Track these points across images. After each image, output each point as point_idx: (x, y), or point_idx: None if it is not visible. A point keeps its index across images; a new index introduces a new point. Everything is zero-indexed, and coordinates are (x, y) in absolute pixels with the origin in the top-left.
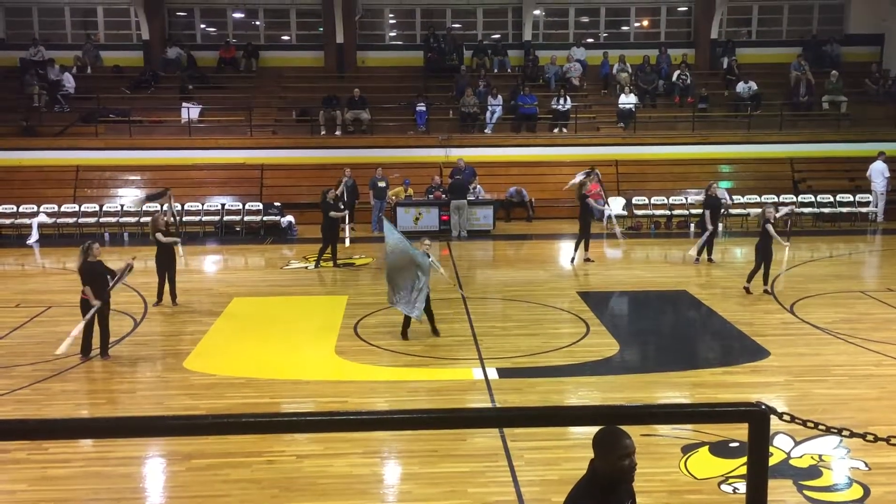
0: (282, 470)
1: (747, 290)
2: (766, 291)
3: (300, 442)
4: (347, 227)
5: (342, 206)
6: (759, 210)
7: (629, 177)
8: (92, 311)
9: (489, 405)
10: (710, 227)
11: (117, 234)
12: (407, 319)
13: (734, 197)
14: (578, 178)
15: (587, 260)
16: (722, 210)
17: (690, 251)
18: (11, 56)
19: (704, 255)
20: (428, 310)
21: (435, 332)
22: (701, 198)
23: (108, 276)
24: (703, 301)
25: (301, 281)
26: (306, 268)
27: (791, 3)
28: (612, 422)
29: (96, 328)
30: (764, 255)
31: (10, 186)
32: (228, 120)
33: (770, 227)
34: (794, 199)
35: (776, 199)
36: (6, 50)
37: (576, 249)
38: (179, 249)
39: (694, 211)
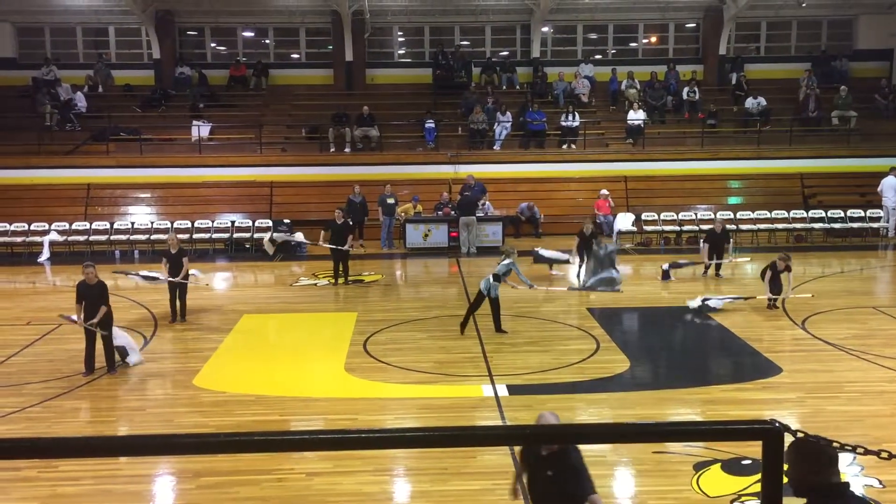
0: (291, 488)
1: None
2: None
3: (310, 460)
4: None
5: (350, 223)
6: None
7: (638, 192)
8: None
9: (499, 422)
10: (705, 260)
11: (128, 252)
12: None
13: (744, 213)
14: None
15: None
16: (726, 245)
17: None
18: (24, 75)
19: (712, 271)
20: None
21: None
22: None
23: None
24: (713, 317)
25: (310, 298)
26: (315, 284)
27: (799, 18)
28: (623, 440)
29: (99, 346)
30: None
31: (21, 204)
32: (238, 137)
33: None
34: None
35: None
36: (18, 69)
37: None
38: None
39: (703, 227)
